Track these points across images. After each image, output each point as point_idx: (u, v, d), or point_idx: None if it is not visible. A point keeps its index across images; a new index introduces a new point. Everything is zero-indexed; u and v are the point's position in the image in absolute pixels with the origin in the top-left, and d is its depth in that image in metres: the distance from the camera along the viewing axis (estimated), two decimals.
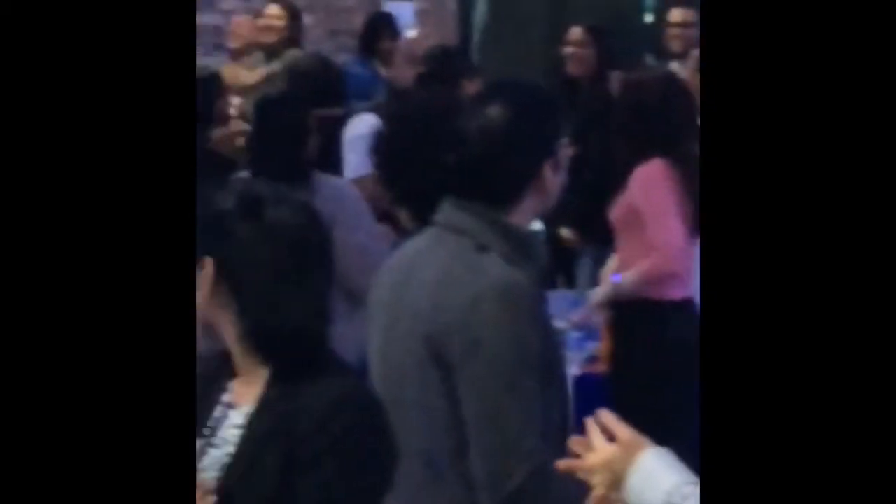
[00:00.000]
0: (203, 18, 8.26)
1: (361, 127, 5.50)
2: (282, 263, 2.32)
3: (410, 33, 6.64)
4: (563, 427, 2.77)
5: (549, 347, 2.69)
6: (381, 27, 8.46)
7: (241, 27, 8.10)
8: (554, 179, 2.74)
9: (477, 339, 2.61)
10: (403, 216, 3.23)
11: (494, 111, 2.71)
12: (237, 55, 7.86)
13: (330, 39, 9.94)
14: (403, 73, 6.99)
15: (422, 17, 9.59)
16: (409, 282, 2.75)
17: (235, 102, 6.48)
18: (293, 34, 7.43)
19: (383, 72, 8.13)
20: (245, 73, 7.07)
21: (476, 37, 9.34)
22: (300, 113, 4.57)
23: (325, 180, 4.45)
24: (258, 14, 7.71)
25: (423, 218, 2.90)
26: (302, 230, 2.35)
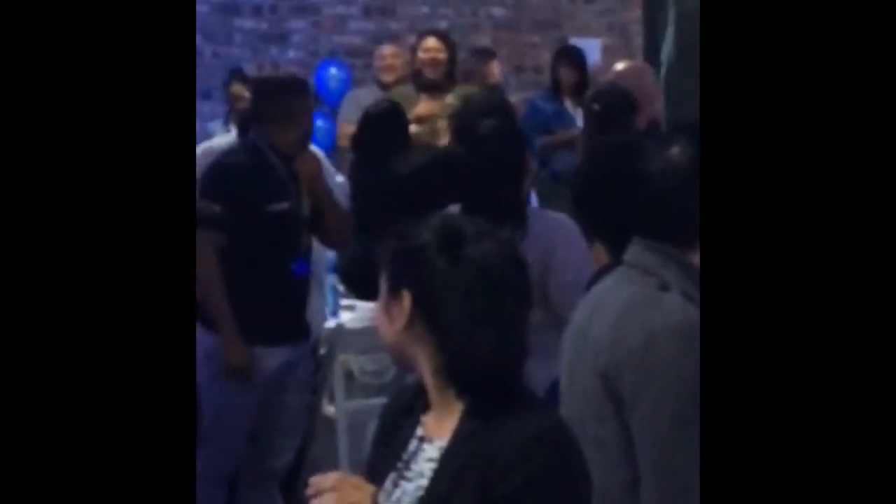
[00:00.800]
0: (384, 51, 8.33)
1: None
2: (480, 299, 2.32)
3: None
4: None
5: None
6: (567, 62, 8.49)
7: (397, 58, 8.12)
8: None
9: (649, 376, 2.60)
10: (598, 251, 3.23)
11: (676, 151, 2.74)
12: (386, 88, 7.87)
13: (515, 75, 9.99)
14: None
15: (608, 52, 9.60)
16: (593, 320, 2.76)
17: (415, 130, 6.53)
18: (450, 67, 7.36)
19: (570, 106, 8.15)
20: (422, 105, 7.08)
21: (664, 72, 9.26)
22: (519, 148, 4.50)
23: (540, 216, 4.39)
24: (411, 47, 7.68)
25: (617, 254, 2.90)
26: (501, 266, 2.35)
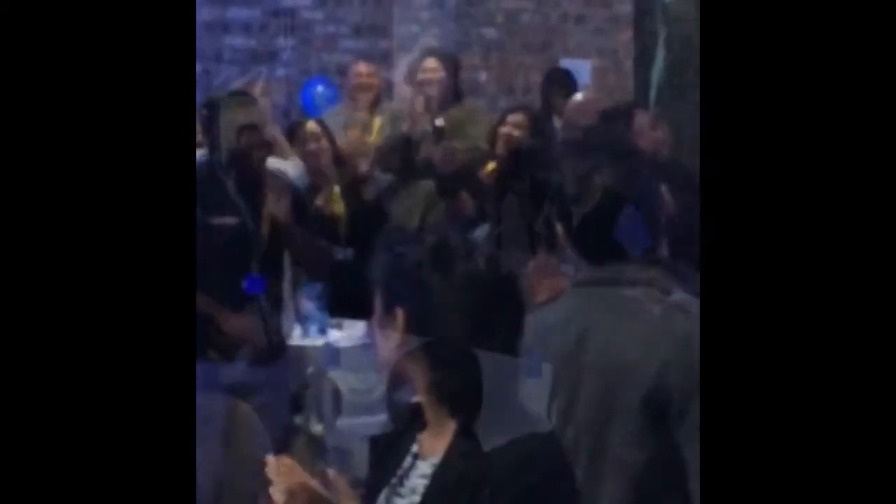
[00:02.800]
0: (360, 69, 8.30)
1: None
2: (471, 316, 2.33)
3: (578, 96, 6.73)
4: None
5: None
6: (557, 84, 8.54)
7: (372, 77, 8.14)
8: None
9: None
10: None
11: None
12: (361, 106, 7.91)
13: (505, 96, 10.01)
14: (572, 134, 7.07)
15: (598, 74, 9.61)
16: (588, 341, 2.74)
17: None
18: (456, 86, 7.57)
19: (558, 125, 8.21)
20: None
21: (653, 95, 9.31)
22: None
23: None
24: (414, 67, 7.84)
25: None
26: (492, 283, 2.36)
